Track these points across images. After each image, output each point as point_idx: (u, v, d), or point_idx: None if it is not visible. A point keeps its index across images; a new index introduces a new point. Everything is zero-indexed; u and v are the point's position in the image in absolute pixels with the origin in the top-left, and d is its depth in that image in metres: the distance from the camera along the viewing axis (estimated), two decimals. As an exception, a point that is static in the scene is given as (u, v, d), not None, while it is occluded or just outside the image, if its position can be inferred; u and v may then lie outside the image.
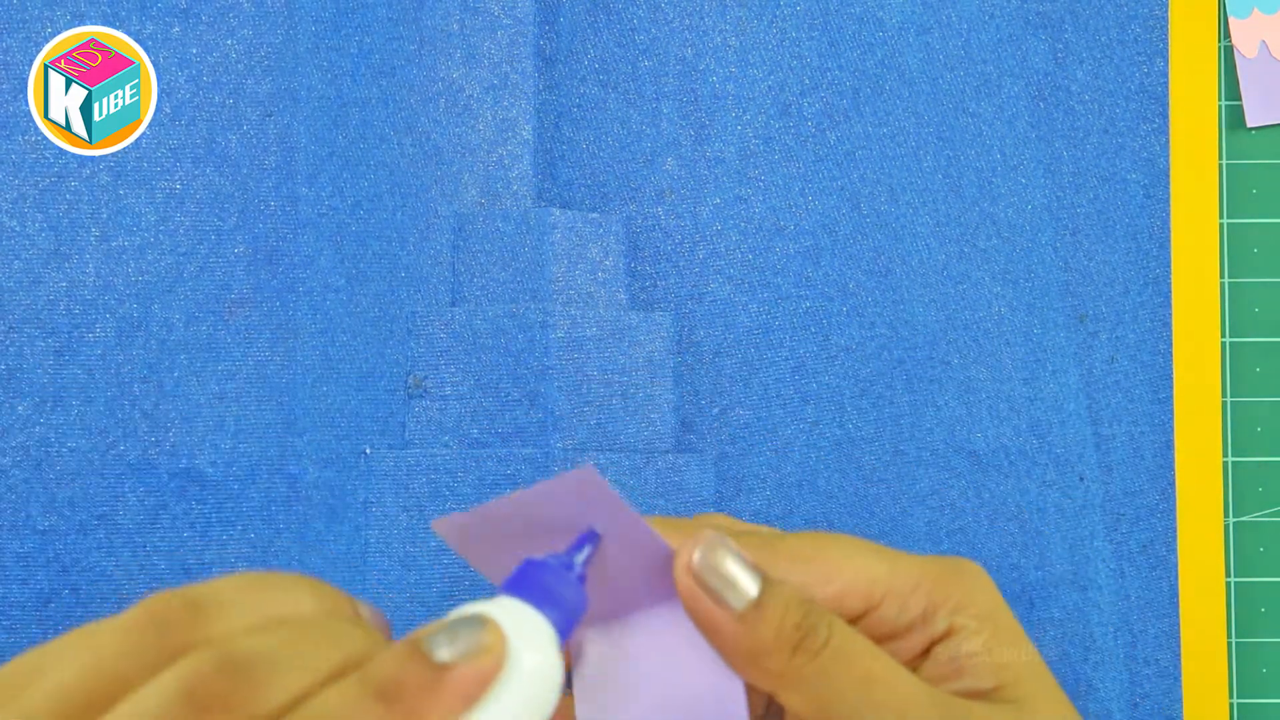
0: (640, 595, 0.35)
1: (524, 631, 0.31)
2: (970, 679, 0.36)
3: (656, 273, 0.46)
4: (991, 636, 0.36)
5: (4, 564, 0.44)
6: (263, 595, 0.31)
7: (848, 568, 0.36)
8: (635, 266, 0.46)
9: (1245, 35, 0.47)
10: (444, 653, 0.29)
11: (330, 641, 0.30)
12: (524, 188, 0.45)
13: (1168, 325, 0.47)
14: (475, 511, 0.33)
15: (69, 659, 0.30)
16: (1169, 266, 0.47)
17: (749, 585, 0.33)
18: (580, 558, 0.33)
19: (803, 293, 0.46)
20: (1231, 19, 0.47)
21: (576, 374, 0.44)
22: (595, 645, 0.36)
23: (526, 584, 0.32)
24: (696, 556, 0.33)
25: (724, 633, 0.33)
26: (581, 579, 0.33)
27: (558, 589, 0.32)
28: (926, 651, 0.37)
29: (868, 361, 0.46)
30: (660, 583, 0.34)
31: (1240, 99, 0.47)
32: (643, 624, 0.36)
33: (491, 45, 0.46)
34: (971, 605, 0.36)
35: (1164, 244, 0.47)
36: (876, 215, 0.46)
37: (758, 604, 0.33)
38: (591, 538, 0.34)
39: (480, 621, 0.30)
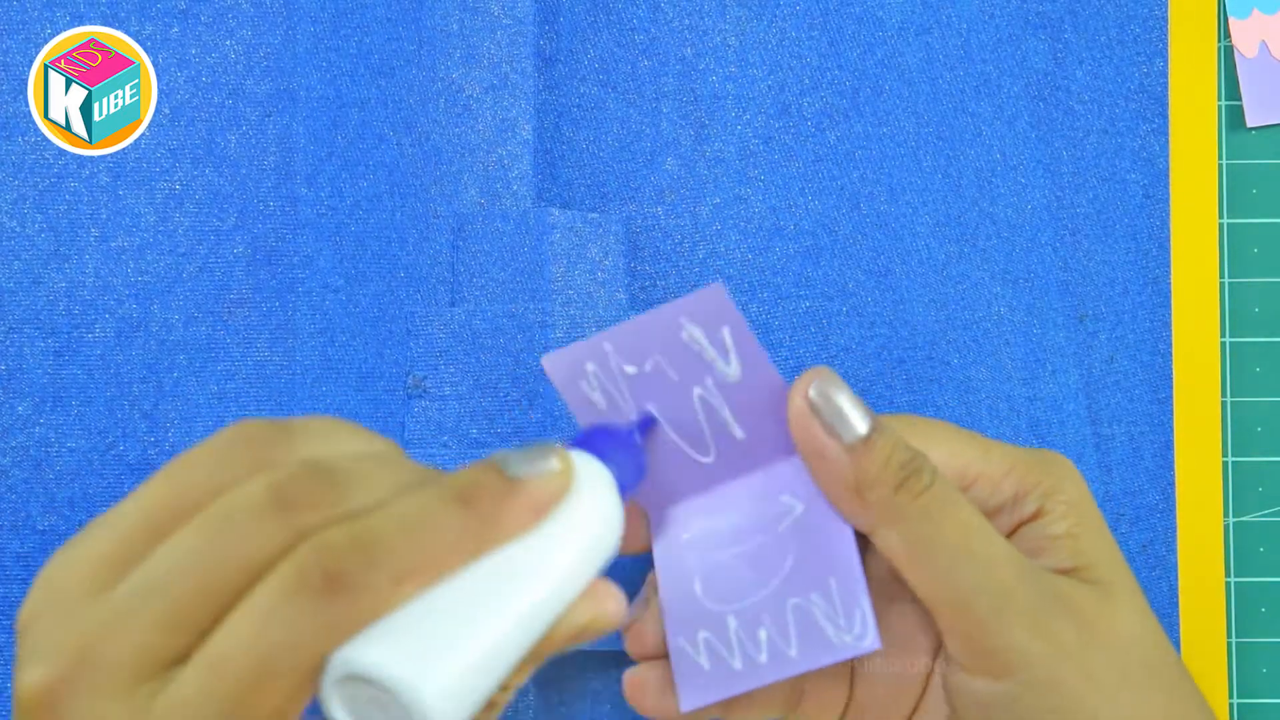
0: (745, 451, 0.37)
1: (587, 474, 0.34)
2: (1052, 558, 0.37)
3: (656, 273, 0.46)
4: (1077, 523, 0.38)
5: (4, 564, 0.44)
6: (344, 431, 0.33)
7: (942, 449, 0.38)
8: (635, 266, 0.46)
9: (1245, 35, 0.47)
10: (518, 469, 0.32)
11: (408, 466, 0.32)
12: (524, 188, 0.45)
13: (1167, 325, 0.47)
14: (588, 342, 0.35)
15: (159, 478, 0.32)
16: (1168, 266, 0.47)
17: (860, 421, 0.35)
18: (638, 435, 0.36)
19: (802, 293, 0.46)
20: (1231, 19, 0.47)
21: None
22: (685, 516, 0.38)
23: (593, 442, 0.35)
24: (814, 386, 0.35)
25: (831, 462, 0.35)
26: (640, 448, 0.35)
27: (620, 450, 0.35)
28: (1011, 534, 0.38)
29: (868, 361, 0.46)
30: (768, 429, 0.36)
31: (1240, 99, 0.47)
32: (744, 489, 0.37)
33: (491, 45, 0.46)
34: (1060, 493, 0.38)
35: (1163, 244, 0.47)
36: (876, 215, 0.46)
37: (867, 439, 0.35)
38: (649, 422, 0.36)
39: (551, 450, 0.33)
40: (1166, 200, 0.47)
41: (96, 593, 0.31)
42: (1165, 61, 0.47)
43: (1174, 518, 0.46)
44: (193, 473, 0.32)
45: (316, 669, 0.30)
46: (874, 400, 0.46)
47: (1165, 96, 0.47)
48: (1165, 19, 0.47)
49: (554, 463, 0.33)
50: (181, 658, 0.31)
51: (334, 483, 0.31)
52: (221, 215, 0.45)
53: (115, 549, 0.32)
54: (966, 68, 0.47)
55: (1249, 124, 0.47)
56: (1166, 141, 0.47)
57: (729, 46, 0.46)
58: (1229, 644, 0.46)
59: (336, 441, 0.33)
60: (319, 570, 0.29)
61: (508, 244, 0.45)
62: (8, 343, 0.45)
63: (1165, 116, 0.47)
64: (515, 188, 0.46)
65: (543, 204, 0.46)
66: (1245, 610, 0.47)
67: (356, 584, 0.29)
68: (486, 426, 0.44)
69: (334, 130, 0.46)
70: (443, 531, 0.31)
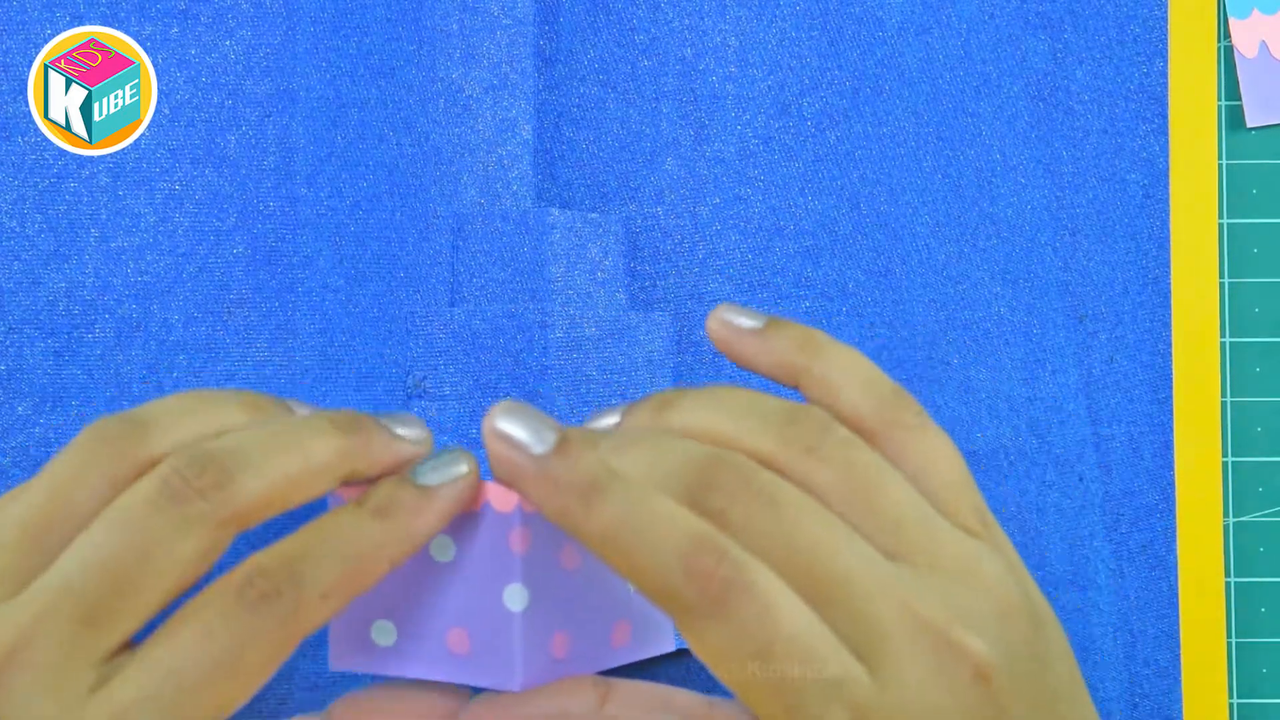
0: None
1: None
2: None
3: (656, 272, 0.46)
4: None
5: (5, 564, 0.44)
6: (198, 413, 0.36)
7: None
8: (635, 266, 0.46)
9: (1245, 35, 0.47)
10: (429, 478, 0.35)
11: (282, 443, 0.35)
12: (524, 188, 0.45)
13: (1167, 325, 0.47)
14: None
15: (30, 491, 0.34)
16: (1168, 266, 0.47)
17: (548, 434, 0.34)
18: None
19: (802, 293, 0.46)
20: (1231, 19, 0.47)
21: (575, 374, 0.44)
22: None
23: None
24: (498, 418, 0.34)
25: (525, 478, 0.34)
26: None
27: None
28: None
29: (867, 361, 0.46)
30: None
31: (1240, 99, 0.47)
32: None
33: (491, 45, 0.46)
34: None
35: (1163, 244, 0.47)
36: (876, 215, 0.46)
37: (556, 449, 0.34)
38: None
39: (460, 456, 0.36)
40: (1166, 200, 0.47)
41: (4, 600, 0.33)
42: (1165, 62, 0.47)
43: (1174, 518, 0.46)
44: (58, 484, 0.34)
45: (254, 680, 0.32)
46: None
47: (1165, 97, 0.47)
48: (1165, 19, 0.47)
49: (463, 468, 0.36)
50: (107, 656, 0.32)
51: (215, 465, 0.34)
52: (221, 215, 0.45)
53: (6, 561, 0.34)
54: (966, 68, 0.47)
55: (1249, 124, 0.47)
56: (1166, 141, 0.47)
57: (729, 47, 0.46)
58: (1229, 644, 0.46)
59: (190, 418, 0.36)
60: (254, 590, 0.32)
61: (507, 244, 0.45)
62: (8, 343, 0.45)
63: (1165, 117, 0.47)
64: (515, 188, 0.45)
65: (542, 204, 0.46)
66: (1245, 610, 0.47)
67: (289, 601, 0.33)
68: None
69: (334, 130, 0.46)
70: (363, 546, 0.34)
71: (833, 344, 0.37)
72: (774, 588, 0.32)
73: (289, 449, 0.35)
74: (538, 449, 0.33)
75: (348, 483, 0.36)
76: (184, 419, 0.36)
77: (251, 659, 0.32)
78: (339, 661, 0.38)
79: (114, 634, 0.32)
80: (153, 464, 0.35)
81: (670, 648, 0.41)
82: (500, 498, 0.37)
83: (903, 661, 0.32)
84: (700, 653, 0.33)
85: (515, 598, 0.37)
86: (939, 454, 0.36)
